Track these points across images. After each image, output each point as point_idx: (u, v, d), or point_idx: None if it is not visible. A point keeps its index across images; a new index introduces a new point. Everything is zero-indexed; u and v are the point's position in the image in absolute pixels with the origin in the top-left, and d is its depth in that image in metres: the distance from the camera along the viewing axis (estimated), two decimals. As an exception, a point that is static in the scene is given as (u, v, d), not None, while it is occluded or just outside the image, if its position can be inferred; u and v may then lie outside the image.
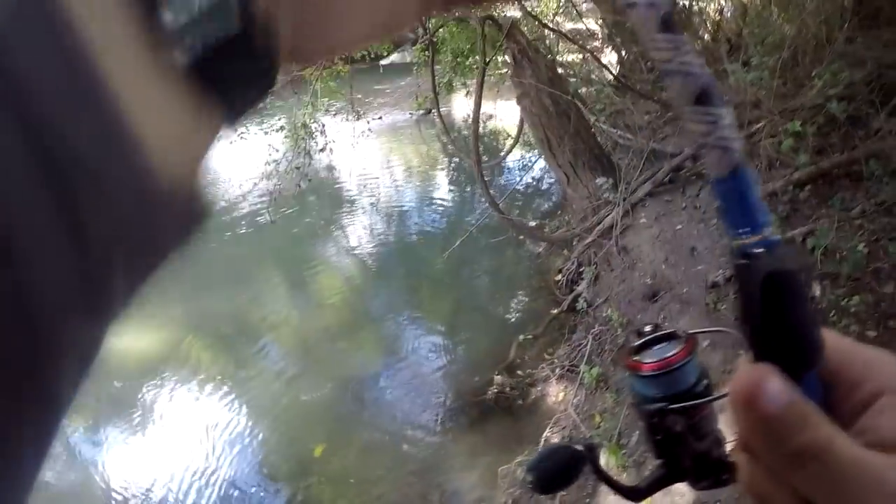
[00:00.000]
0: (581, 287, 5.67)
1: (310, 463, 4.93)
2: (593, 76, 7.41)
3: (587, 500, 3.43)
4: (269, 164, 7.93)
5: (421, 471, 4.69)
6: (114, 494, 5.04)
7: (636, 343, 0.78)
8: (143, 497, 4.94)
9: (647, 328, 0.81)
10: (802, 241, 4.20)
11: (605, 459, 3.35)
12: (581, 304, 5.45)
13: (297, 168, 8.01)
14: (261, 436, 5.34)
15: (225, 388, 5.92)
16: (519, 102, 5.89)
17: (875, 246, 3.92)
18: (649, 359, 0.74)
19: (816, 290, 3.78)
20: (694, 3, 7.45)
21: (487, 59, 5.67)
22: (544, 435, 4.28)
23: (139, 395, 6.01)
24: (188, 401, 5.87)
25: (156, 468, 5.17)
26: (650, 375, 0.78)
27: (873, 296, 3.59)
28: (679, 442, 0.66)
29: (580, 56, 7.77)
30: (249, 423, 5.46)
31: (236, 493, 4.84)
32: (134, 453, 5.40)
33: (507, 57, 5.95)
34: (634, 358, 0.74)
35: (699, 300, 4.22)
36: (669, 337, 0.79)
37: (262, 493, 4.83)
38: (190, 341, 6.71)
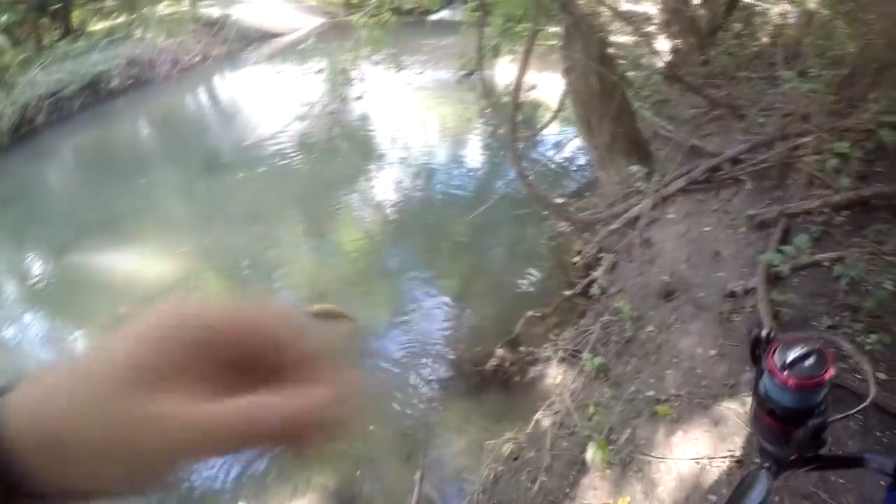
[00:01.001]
0: (597, 273, 5.59)
1: None
2: (643, 61, 7.21)
3: (567, 489, 3.41)
4: (303, 106, 7.89)
5: (410, 431, 4.70)
6: None
7: (789, 357, 0.94)
8: None
9: (798, 348, 0.98)
10: (829, 266, 4.07)
11: (591, 453, 3.30)
12: (595, 290, 5.36)
13: (331, 113, 7.96)
14: None
15: None
16: (564, 76, 5.74)
17: (903, 288, 3.80)
18: (798, 373, 0.88)
19: (835, 320, 3.68)
20: (758, 3, 7.18)
21: (539, 28, 5.52)
22: (535, 416, 4.24)
23: None
24: None
25: None
26: (797, 388, 0.93)
27: (891, 338, 3.48)
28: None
29: (633, 39, 7.57)
30: None
31: None
32: None
33: (559, 28, 5.79)
34: (781, 369, 0.88)
35: (714, 307, 4.12)
36: (812, 350, 0.94)
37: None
38: (201, 272, 6.76)
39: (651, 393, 3.71)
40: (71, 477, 0.37)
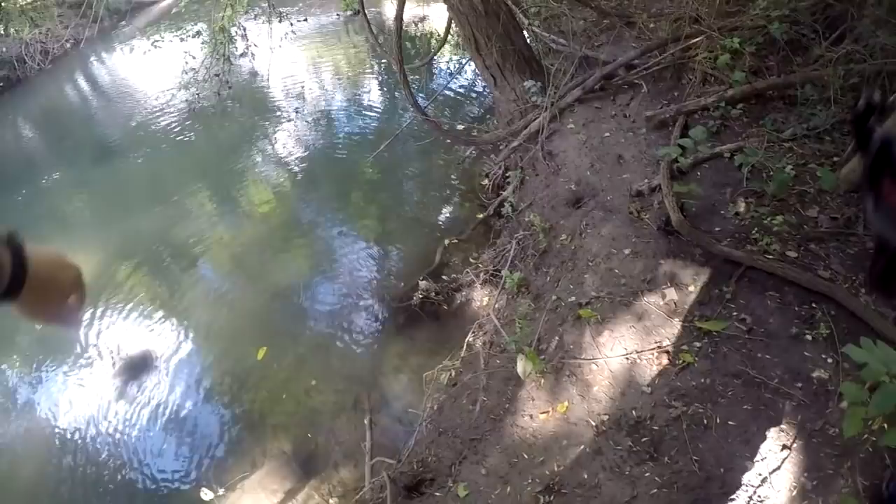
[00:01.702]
0: (507, 192, 5.64)
1: (248, 375, 4.90)
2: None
3: (507, 404, 3.48)
4: (187, 73, 7.51)
5: (352, 377, 4.71)
6: (59, 432, 4.89)
7: None
8: (91, 430, 4.83)
9: None
10: (731, 157, 4.21)
11: (522, 365, 3.37)
12: (507, 208, 5.43)
13: (217, 76, 7.63)
14: (200, 354, 5.27)
15: (160, 315, 5.77)
16: (446, 1, 5.63)
17: (803, 170, 3.97)
18: None
19: (741, 206, 3.82)
20: None
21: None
22: (466, 340, 4.30)
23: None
24: (125, 328, 5.69)
25: (99, 399, 5.04)
26: None
27: (797, 217, 3.64)
28: None
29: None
30: (184, 347, 5.36)
31: (173, 415, 4.79)
32: (76, 388, 5.23)
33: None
34: None
35: (623, 208, 4.21)
36: None
37: (206, 407, 4.80)
38: (120, 266, 6.48)
39: (572, 299, 3.79)
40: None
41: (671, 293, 3.44)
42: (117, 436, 4.74)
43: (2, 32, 13.79)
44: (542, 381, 3.40)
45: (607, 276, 3.77)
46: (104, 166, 8.85)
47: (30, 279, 0.91)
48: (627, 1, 6.79)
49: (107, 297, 6.02)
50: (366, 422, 4.28)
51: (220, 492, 4.05)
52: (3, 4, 13.74)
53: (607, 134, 5.03)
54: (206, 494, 3.95)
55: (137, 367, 5.27)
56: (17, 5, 14.30)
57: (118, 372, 5.28)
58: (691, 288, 3.46)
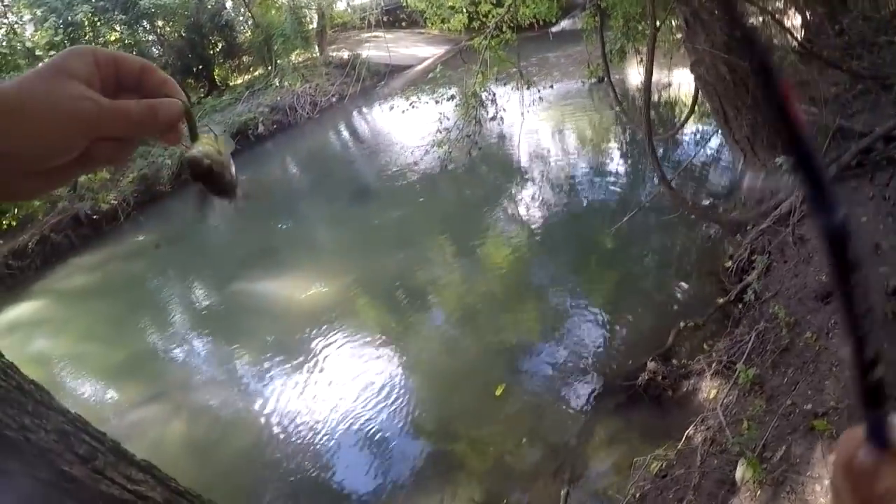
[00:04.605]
0: (751, 277, 5.21)
1: (453, 425, 5.05)
2: (775, 41, 6.66)
3: None
4: (441, 133, 8.02)
5: (558, 446, 4.61)
6: (266, 421, 5.46)
7: None
8: (293, 428, 5.31)
9: None
10: None
11: (741, 471, 3.05)
12: (749, 295, 5.00)
13: (468, 136, 8.05)
14: (412, 392, 5.54)
15: (386, 344, 6.23)
16: (693, 70, 5.43)
17: None
18: None
19: None
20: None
21: (658, 23, 5.27)
22: (686, 432, 4.00)
23: (305, 340, 6.52)
24: (350, 351, 6.24)
25: (311, 406, 5.55)
26: None
27: None
28: None
29: (760, 19, 7.02)
30: (402, 380, 5.68)
31: (378, 437, 5.07)
32: (294, 391, 5.82)
33: (680, 20, 5.49)
34: None
35: (877, 306, 3.69)
36: None
37: (404, 446, 5.01)
38: (359, 296, 7.08)
39: (808, 406, 3.37)
40: (10, 136, 0.55)
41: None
42: (316, 440, 5.17)
43: (277, 84, 15.99)
44: (759, 491, 3.04)
45: (850, 385, 3.31)
46: (359, 207, 9.77)
47: None
48: (882, 60, 6.05)
49: (341, 321, 6.64)
50: (562, 493, 4.13)
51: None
52: (278, 62, 15.97)
53: (864, 218, 4.47)
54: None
55: (352, 388, 5.66)
56: (291, 63, 16.50)
57: (335, 387, 5.74)
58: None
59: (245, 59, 18.37)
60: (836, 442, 2.99)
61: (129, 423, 6.17)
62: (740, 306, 5.22)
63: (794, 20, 7.55)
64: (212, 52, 17.57)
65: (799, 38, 6.53)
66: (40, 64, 0.61)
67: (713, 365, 4.68)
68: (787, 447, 3.20)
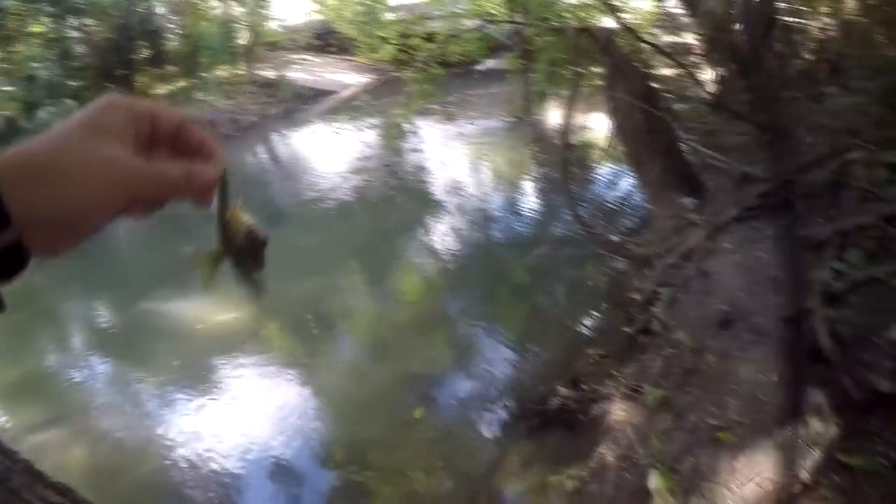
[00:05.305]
0: (657, 308, 5.56)
1: (364, 454, 5.03)
2: (688, 93, 7.21)
3: None
4: (360, 160, 8.14)
5: (473, 471, 4.71)
6: (168, 445, 5.33)
7: None
8: (204, 460, 5.19)
9: None
10: (886, 280, 3.99)
11: (654, 481, 3.28)
12: (655, 325, 5.34)
13: (388, 166, 8.19)
14: (321, 420, 5.51)
15: (296, 372, 6.16)
16: (610, 116, 5.82)
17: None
18: None
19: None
20: (796, 20, 7.13)
21: (581, 71, 5.64)
22: (598, 450, 4.22)
23: (213, 366, 6.35)
24: (259, 378, 6.12)
25: (217, 436, 5.41)
26: None
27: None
28: None
29: (676, 72, 7.59)
30: (311, 407, 5.65)
31: (287, 465, 5.02)
32: (198, 419, 5.67)
33: (602, 69, 5.89)
34: None
35: (773, 332, 4.06)
36: None
37: (313, 473, 4.99)
38: (266, 322, 6.99)
39: (714, 421, 3.67)
40: (43, 200, 0.52)
41: (815, 423, 3.26)
42: (222, 468, 5.03)
43: (200, 98, 15.71)
44: (672, 500, 3.28)
45: (752, 400, 3.63)
46: (273, 230, 9.59)
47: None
48: (784, 114, 6.64)
49: (250, 347, 6.55)
50: (480, 520, 4.24)
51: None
52: (203, 75, 15.70)
53: (763, 254, 4.91)
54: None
55: (261, 416, 5.57)
56: (216, 78, 16.25)
57: (243, 415, 5.63)
58: (836, 419, 3.26)
59: (170, 68, 17.86)
60: (739, 451, 3.30)
61: (26, 448, 5.82)
62: (647, 335, 5.56)
63: (707, 74, 8.17)
64: (137, 57, 16.99)
65: (710, 91, 7.06)
66: (71, 117, 0.58)
67: (621, 389, 4.96)
68: (696, 458, 3.47)
